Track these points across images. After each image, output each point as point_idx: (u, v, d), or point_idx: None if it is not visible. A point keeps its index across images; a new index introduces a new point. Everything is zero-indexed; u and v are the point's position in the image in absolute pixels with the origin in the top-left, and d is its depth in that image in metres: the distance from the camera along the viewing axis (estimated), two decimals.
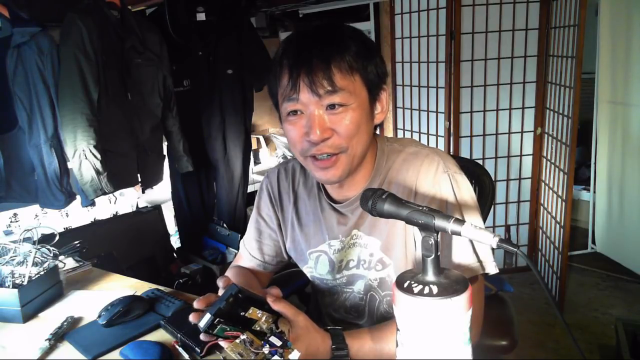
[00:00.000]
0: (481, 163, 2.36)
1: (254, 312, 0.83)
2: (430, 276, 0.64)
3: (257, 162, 3.95)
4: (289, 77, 0.88)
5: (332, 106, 0.88)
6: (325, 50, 0.87)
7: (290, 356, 0.79)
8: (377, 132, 1.04)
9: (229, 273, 1.16)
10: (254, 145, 3.74)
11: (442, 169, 0.95)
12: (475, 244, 0.92)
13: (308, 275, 1.15)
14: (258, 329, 0.82)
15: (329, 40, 0.89)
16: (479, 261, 0.92)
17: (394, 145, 1.03)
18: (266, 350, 0.79)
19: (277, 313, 0.85)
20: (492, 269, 0.93)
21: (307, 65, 0.86)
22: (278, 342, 0.79)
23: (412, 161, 0.98)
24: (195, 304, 0.86)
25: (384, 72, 0.95)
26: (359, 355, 0.88)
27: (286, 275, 1.38)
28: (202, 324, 0.80)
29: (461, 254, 0.92)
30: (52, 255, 1.28)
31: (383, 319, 1.05)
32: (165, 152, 2.64)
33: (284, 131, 0.96)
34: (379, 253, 1.02)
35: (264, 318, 0.83)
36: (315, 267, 1.11)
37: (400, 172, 0.99)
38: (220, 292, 0.88)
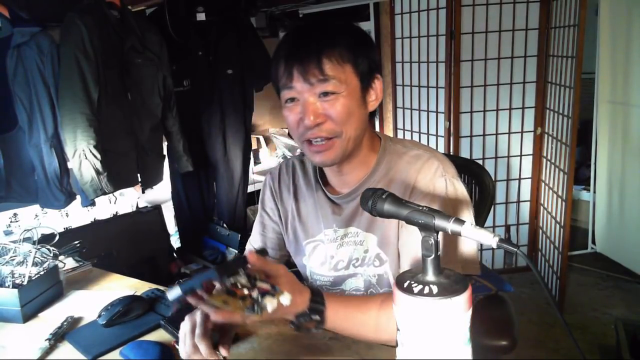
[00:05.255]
0: (481, 163, 2.36)
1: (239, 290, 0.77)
2: (430, 276, 0.64)
3: (257, 162, 3.95)
4: (285, 67, 0.95)
5: (324, 94, 0.94)
6: (317, 43, 0.94)
7: (281, 298, 0.77)
8: (377, 128, 1.06)
9: None
10: (254, 145, 3.73)
11: (440, 173, 0.99)
12: (461, 247, 0.95)
13: (306, 270, 1.16)
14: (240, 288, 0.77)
15: (322, 34, 0.97)
16: (459, 263, 0.94)
17: (397, 147, 1.06)
18: (254, 294, 0.76)
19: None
20: (473, 270, 0.95)
21: (300, 56, 0.94)
22: (267, 286, 0.78)
23: (414, 163, 1.02)
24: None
25: (375, 63, 1.01)
26: (336, 315, 0.88)
27: None
28: (170, 295, 0.76)
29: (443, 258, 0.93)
30: (52, 255, 1.28)
31: None
32: (165, 152, 2.64)
33: (284, 117, 1.02)
34: (376, 249, 1.04)
35: (243, 281, 0.78)
36: (310, 258, 1.14)
37: (400, 172, 1.02)
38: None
